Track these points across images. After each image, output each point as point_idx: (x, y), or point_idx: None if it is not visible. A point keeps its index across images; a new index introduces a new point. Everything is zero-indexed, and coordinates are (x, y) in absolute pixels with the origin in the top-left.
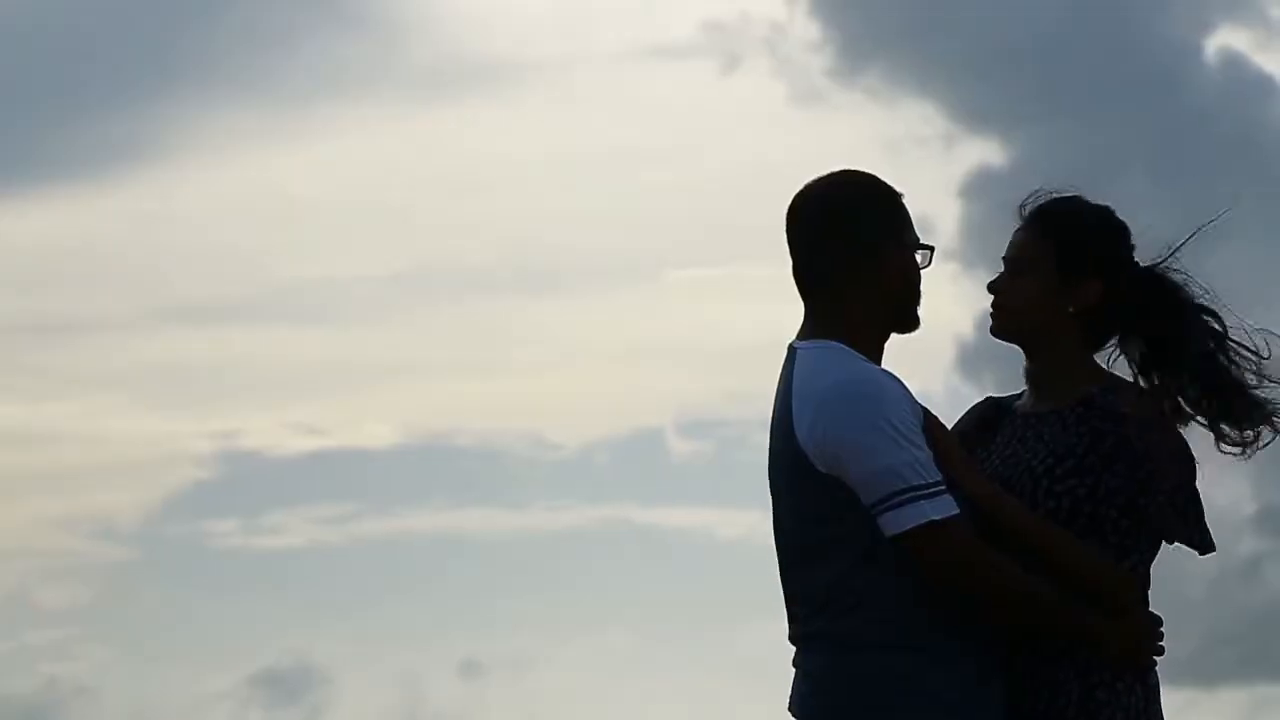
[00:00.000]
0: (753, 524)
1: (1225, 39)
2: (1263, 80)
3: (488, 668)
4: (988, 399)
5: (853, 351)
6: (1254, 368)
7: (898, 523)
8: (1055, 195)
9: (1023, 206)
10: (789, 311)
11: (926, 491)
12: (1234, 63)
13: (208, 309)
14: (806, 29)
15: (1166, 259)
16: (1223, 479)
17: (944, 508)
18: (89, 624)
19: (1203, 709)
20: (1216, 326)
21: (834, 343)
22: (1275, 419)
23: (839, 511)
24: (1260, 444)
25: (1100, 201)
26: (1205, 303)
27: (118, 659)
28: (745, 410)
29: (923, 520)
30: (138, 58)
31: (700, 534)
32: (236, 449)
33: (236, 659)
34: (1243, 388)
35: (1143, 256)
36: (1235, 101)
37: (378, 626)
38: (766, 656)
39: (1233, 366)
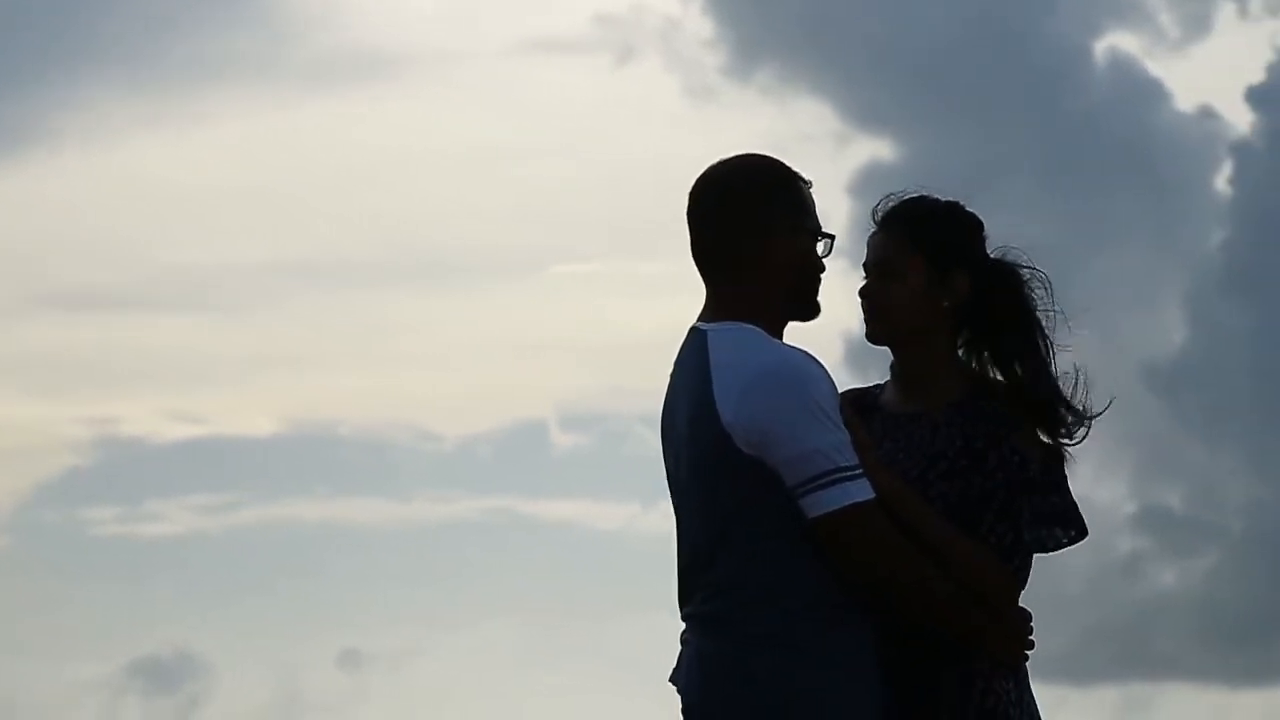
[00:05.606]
0: (633, 516)
1: (1114, 42)
2: (1151, 84)
3: (367, 659)
4: (849, 391)
5: (767, 334)
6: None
7: (823, 503)
8: (905, 195)
9: (875, 211)
10: (674, 306)
11: (850, 474)
12: (1123, 66)
13: (87, 295)
14: (701, 25)
15: (1010, 255)
16: (1102, 479)
17: (866, 490)
18: None
19: (1075, 706)
20: (1043, 342)
21: (747, 325)
22: (1076, 430)
23: (756, 495)
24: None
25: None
26: (1038, 313)
27: None
28: (629, 404)
29: (848, 502)
30: (20, 40)
31: (582, 526)
32: (114, 436)
33: (112, 648)
34: (1059, 396)
35: (1020, 257)
36: (1124, 104)
37: (257, 616)
38: (646, 648)
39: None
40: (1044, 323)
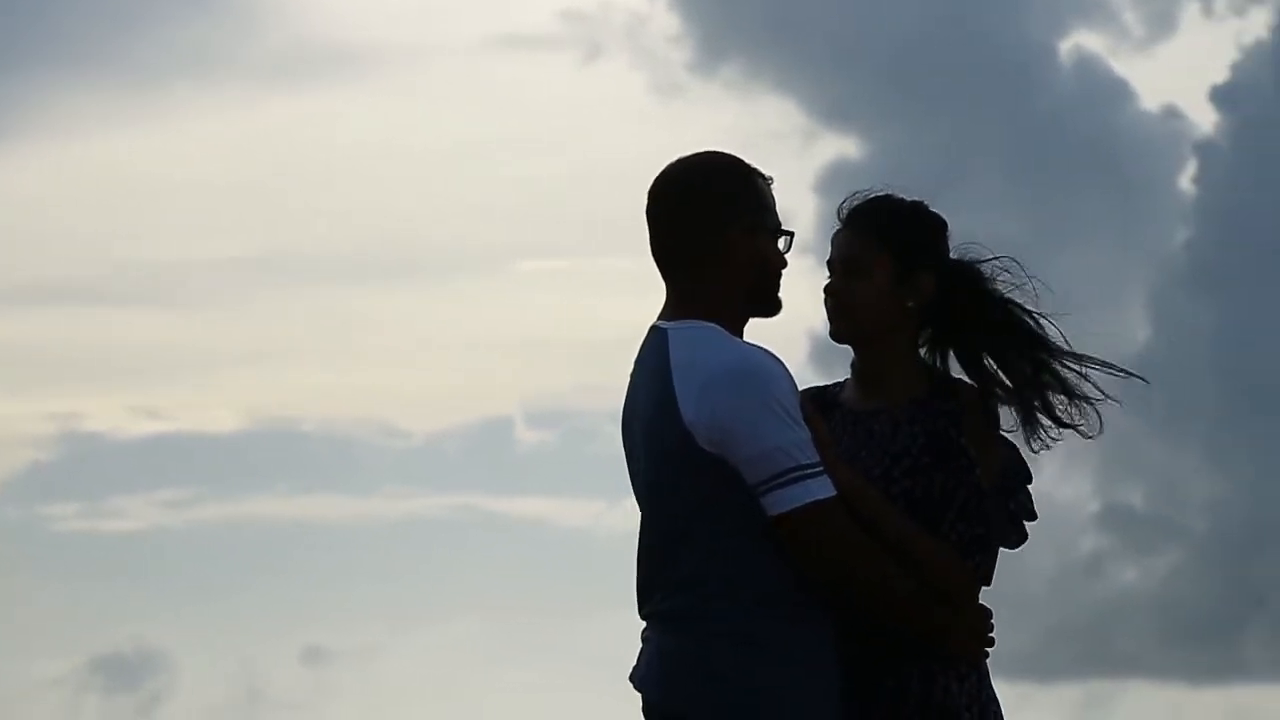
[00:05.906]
0: (598, 513)
1: (1079, 41)
2: (1116, 83)
3: (331, 655)
4: (809, 389)
5: (727, 333)
6: (1065, 348)
7: (784, 501)
8: (871, 194)
9: (840, 209)
10: (640, 303)
11: (811, 471)
12: (1088, 65)
13: (51, 289)
14: (667, 21)
15: (973, 253)
16: (1065, 477)
17: (827, 488)
18: None
19: (1037, 704)
20: (1025, 317)
21: (707, 323)
22: (1089, 397)
23: (717, 493)
24: (1078, 423)
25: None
26: (1011, 294)
27: None
28: (594, 401)
29: (809, 499)
30: None
31: (547, 523)
32: (77, 431)
33: (75, 644)
34: (1059, 361)
35: (982, 253)
36: (1089, 103)
37: (220, 613)
38: (610, 646)
39: (1050, 350)
40: (1022, 301)
